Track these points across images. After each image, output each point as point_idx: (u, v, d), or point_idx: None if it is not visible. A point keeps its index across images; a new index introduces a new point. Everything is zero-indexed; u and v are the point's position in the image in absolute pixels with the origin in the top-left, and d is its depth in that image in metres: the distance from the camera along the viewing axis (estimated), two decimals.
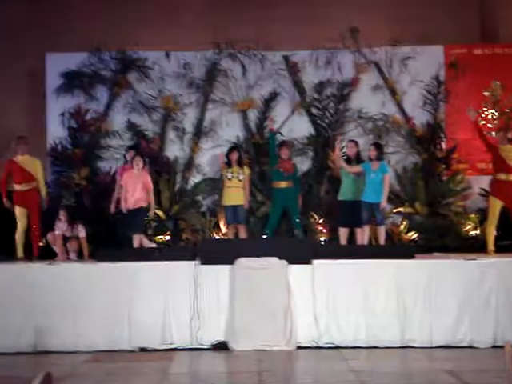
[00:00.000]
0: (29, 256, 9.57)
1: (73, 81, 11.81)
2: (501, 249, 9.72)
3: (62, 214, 9.74)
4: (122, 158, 11.00)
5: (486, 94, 12.04)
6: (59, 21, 11.46)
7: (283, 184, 10.28)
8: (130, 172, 9.81)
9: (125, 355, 7.83)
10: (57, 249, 9.72)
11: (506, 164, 9.48)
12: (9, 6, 11.74)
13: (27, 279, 8.16)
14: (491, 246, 9.59)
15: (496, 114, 12.02)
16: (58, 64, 11.81)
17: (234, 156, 10.39)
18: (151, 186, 9.86)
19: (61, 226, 9.73)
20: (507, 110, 11.98)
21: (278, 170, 10.31)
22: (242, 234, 10.34)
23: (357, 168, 9.76)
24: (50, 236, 9.80)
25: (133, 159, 9.92)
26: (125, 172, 9.99)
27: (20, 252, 9.54)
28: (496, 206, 9.56)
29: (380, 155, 9.70)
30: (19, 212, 9.66)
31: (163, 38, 11.67)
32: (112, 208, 10.12)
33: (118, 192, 10.05)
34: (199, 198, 11.90)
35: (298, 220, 10.35)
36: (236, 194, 10.27)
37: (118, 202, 9.95)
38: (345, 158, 10.21)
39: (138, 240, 9.68)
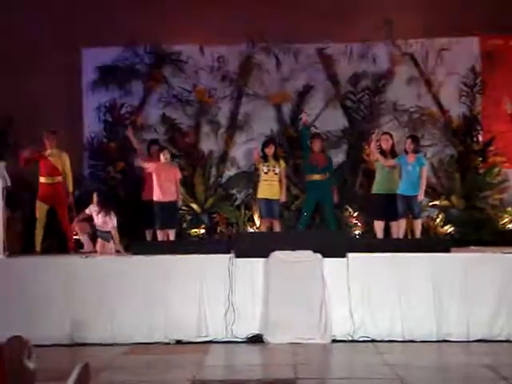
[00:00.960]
0: (62, 250, 9.81)
1: (108, 75, 11.92)
2: None
3: (95, 196, 9.84)
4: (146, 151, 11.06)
5: None
6: (95, 16, 11.53)
7: (316, 177, 10.24)
8: (159, 163, 9.84)
9: (161, 348, 7.90)
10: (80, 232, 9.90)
11: None
12: (46, 1, 11.84)
13: (64, 272, 8.25)
14: None
15: None
16: (93, 59, 11.95)
17: (271, 149, 10.35)
18: (179, 176, 9.94)
19: (92, 208, 9.83)
20: None
21: (310, 163, 10.28)
22: (277, 229, 10.32)
23: (392, 161, 9.70)
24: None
25: (159, 153, 9.97)
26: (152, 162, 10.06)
27: (37, 245, 9.73)
28: None
29: (417, 148, 9.63)
30: (39, 208, 9.80)
31: (197, 32, 11.67)
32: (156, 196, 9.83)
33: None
34: (233, 191, 11.93)
35: (331, 213, 10.32)
36: (272, 187, 10.21)
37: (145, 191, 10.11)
38: (379, 150, 10.15)
39: (172, 233, 9.76)
